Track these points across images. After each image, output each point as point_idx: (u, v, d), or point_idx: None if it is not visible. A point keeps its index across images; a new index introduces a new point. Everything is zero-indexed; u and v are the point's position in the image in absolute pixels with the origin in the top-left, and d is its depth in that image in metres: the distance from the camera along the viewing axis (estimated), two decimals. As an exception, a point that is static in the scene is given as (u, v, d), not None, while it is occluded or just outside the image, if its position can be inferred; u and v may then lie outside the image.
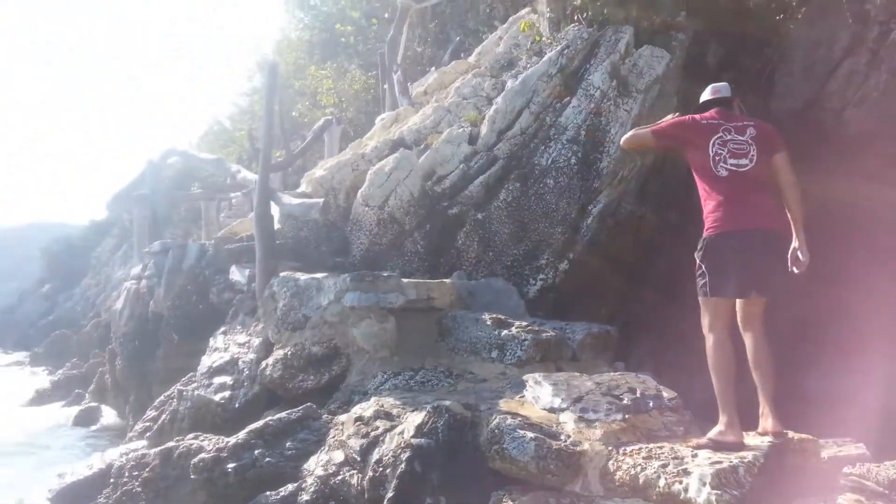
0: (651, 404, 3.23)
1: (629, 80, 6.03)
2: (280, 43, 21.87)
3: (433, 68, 11.48)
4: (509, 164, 6.21)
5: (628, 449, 2.87)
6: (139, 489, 4.02)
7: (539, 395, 3.49)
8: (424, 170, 6.63)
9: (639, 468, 2.75)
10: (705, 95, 3.56)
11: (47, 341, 25.68)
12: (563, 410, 3.29)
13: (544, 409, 3.38)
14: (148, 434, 5.62)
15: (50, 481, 5.85)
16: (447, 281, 5.57)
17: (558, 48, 6.49)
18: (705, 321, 3.15)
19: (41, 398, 13.35)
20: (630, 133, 3.69)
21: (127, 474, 4.15)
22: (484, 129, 6.53)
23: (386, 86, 10.69)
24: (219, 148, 22.25)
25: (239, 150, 20.44)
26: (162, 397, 6.12)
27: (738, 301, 3.16)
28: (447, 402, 3.44)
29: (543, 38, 7.10)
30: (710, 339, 3.11)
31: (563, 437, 3.06)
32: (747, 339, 3.12)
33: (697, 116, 3.44)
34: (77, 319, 29.25)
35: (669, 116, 3.67)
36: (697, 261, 3.20)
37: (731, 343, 3.08)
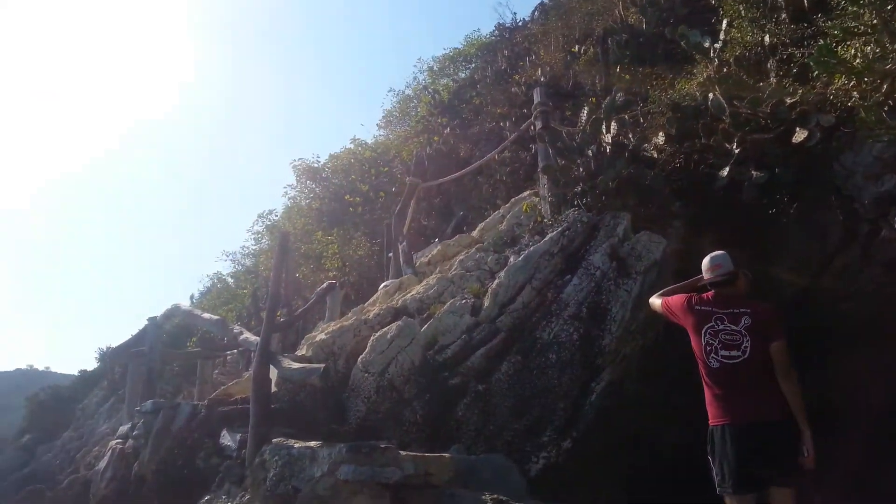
0: None
1: (628, 262, 6.27)
2: (290, 209, 22.87)
3: (437, 240, 11.94)
4: (511, 336, 6.28)
5: None
6: None
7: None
8: (426, 338, 6.68)
9: None
10: (704, 267, 3.64)
11: (17, 498, 24.24)
12: None
13: None
14: None
15: None
16: (446, 455, 5.40)
17: (559, 229, 6.81)
18: None
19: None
20: (652, 297, 3.78)
21: None
22: (487, 301, 6.67)
23: (391, 254, 11.06)
24: (221, 304, 22.48)
25: (240, 307, 20.66)
26: (134, 573, 5.70)
27: (770, 493, 3.05)
28: None
29: (545, 220, 7.46)
30: None
31: None
32: None
33: (695, 300, 3.52)
34: (54, 474, 27.75)
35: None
36: (709, 457, 3.14)
37: None
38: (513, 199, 9.61)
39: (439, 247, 10.19)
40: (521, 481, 5.22)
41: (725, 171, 6.46)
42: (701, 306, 3.38)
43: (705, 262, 3.65)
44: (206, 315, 9.79)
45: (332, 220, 18.63)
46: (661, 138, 7.27)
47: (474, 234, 9.68)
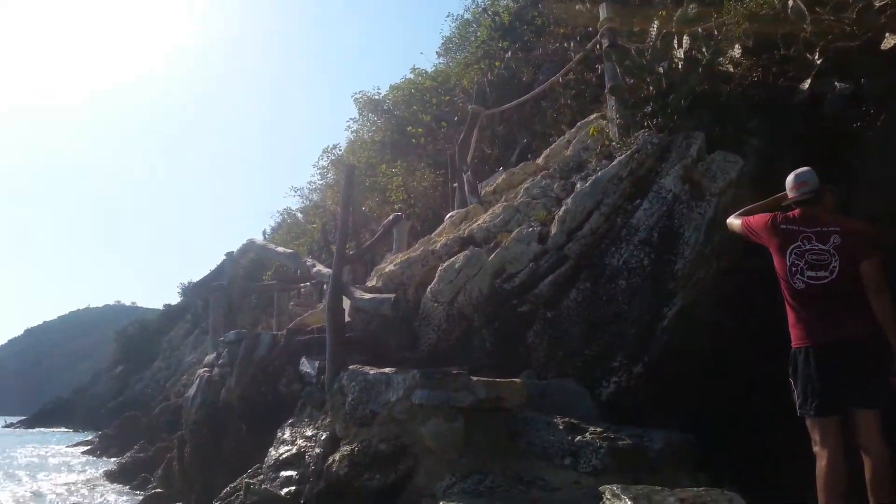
0: (741, 526, 3.04)
1: (702, 184, 6.04)
2: (353, 143, 22.98)
3: (501, 169, 11.80)
4: (579, 263, 6.22)
5: (718, 575, 2.69)
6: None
7: (617, 510, 3.34)
8: (494, 267, 6.70)
9: None
10: (788, 184, 3.48)
11: (117, 423, 26.33)
12: (645, 527, 3.13)
13: (624, 525, 3.23)
14: (214, 527, 5.60)
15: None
16: (517, 380, 5.50)
17: (628, 152, 6.60)
18: (814, 439, 2.98)
19: (109, 479, 13.58)
20: (731, 217, 3.67)
21: (192, 569, 4.12)
22: (554, 228, 6.60)
23: (455, 184, 11.03)
24: (291, 239, 23.10)
25: (309, 241, 21.20)
26: (228, 489, 6.13)
27: (854, 415, 2.97)
28: (521, 512, 3.33)
29: (613, 143, 7.24)
30: (819, 460, 2.93)
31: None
32: (865, 459, 2.92)
33: (780, 218, 3.37)
34: (147, 402, 30.02)
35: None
36: (790, 379, 3.07)
37: (842, 463, 2.88)
38: (579, 124, 9.33)
39: (504, 175, 10.07)
40: (591, 406, 5.28)
41: (806, 84, 6.06)
42: (786, 225, 3.24)
43: (789, 179, 3.47)
44: (280, 249, 10.10)
45: (396, 152, 18.64)
46: (736, 51, 6.85)
47: (539, 160, 9.50)
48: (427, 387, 5.01)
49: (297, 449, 5.58)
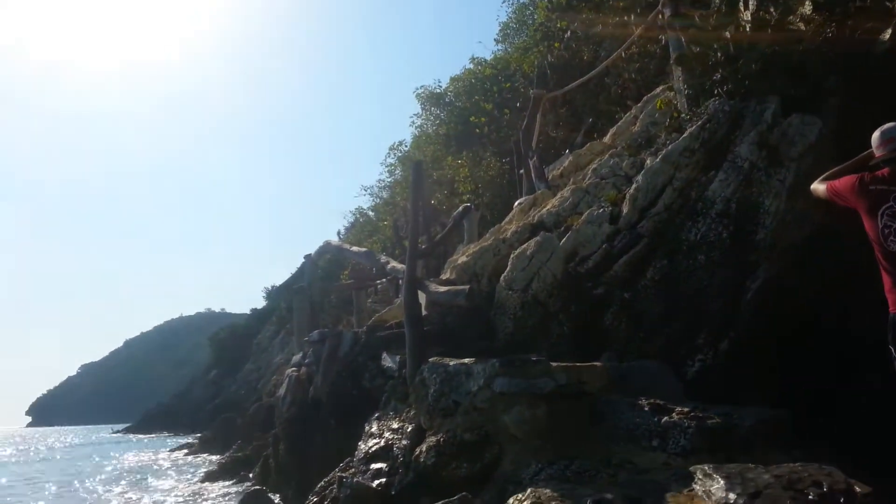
0: (842, 500, 2.92)
1: (780, 150, 5.79)
2: (418, 138, 23.18)
3: (567, 151, 11.66)
4: (654, 241, 6.09)
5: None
6: (306, 576, 4.15)
7: (710, 489, 3.26)
8: (566, 251, 6.65)
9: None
10: (875, 142, 3.29)
11: (214, 424, 27.67)
12: (738, 506, 3.05)
13: (717, 505, 3.16)
14: (311, 520, 5.82)
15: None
16: (598, 364, 5.45)
17: (699, 123, 6.39)
18: None
19: (210, 479, 14.28)
20: (815, 183, 3.52)
21: (295, 560, 4.30)
22: (625, 207, 6.49)
23: (522, 171, 10.97)
24: (364, 238, 23.55)
25: (383, 238, 21.55)
26: (322, 482, 6.35)
27: None
28: (609, 496, 3.32)
29: (682, 115, 7.03)
30: None
31: (740, 536, 2.84)
32: None
33: (868, 179, 3.20)
34: (241, 402, 31.35)
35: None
36: (889, 347, 2.93)
37: None
38: (645, 98, 9.11)
39: (571, 157, 9.95)
40: (676, 385, 5.17)
41: (887, 35, 5.70)
42: (875, 185, 3.06)
43: (875, 136, 3.28)
44: (355, 248, 10.33)
45: (461, 143, 18.70)
46: (807, 7, 6.51)
47: (606, 139, 9.34)
48: (507, 375, 5.03)
49: (384, 442, 5.71)
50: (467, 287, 6.24)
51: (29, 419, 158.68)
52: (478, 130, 17.35)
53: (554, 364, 5.22)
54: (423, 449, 5.18)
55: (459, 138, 18.96)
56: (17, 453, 34.87)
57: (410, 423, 5.69)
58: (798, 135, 5.88)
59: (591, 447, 4.55)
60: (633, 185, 6.57)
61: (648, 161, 6.77)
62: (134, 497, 12.62)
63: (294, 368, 8.78)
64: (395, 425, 5.84)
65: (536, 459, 4.55)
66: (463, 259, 7.78)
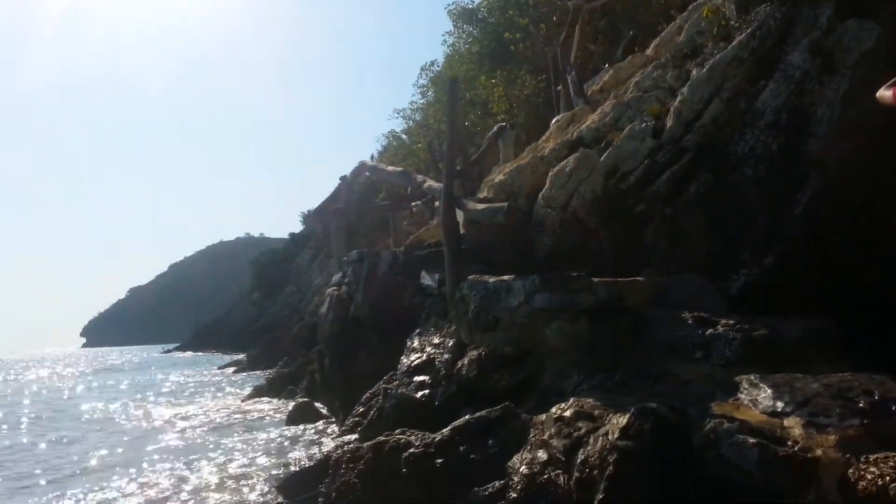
0: (895, 408, 2.91)
1: (834, 57, 5.49)
2: (451, 57, 22.59)
3: (607, 66, 11.26)
4: (699, 155, 5.93)
5: (871, 457, 2.61)
6: (356, 480, 4.34)
7: (757, 398, 3.28)
8: (606, 168, 6.53)
9: (888, 478, 2.49)
10: None
11: (260, 343, 28.67)
12: (787, 415, 3.06)
13: (764, 414, 3.18)
14: (359, 428, 6.06)
15: (276, 470, 6.53)
16: (638, 279, 5.44)
17: (748, 30, 6.09)
18: None
19: (259, 393, 14.93)
20: (881, 90, 3.36)
21: (343, 466, 4.49)
22: (669, 121, 6.30)
23: (559, 87, 10.67)
24: (398, 161, 23.43)
25: (416, 161, 21.42)
26: (367, 394, 6.57)
27: None
28: (653, 405, 3.35)
29: (731, 22, 6.69)
30: None
31: (789, 444, 2.86)
32: None
33: None
34: (283, 323, 32.34)
35: None
36: None
37: None
38: (690, 6, 8.66)
39: (611, 72, 9.62)
40: (719, 300, 5.14)
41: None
42: None
43: None
44: (390, 168, 10.30)
45: (494, 61, 18.17)
46: None
47: (648, 52, 8.97)
48: (547, 291, 5.06)
49: (426, 356, 5.85)
50: (506, 204, 6.21)
51: (83, 340, 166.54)
52: (512, 47, 16.82)
53: (595, 279, 5.23)
54: (465, 362, 5.29)
55: (493, 56, 18.41)
56: (91, 370, 36.94)
57: (451, 339, 5.80)
58: (854, 41, 5.56)
59: (633, 359, 4.59)
60: (678, 98, 6.35)
61: (694, 72, 6.51)
62: (189, 411, 13.30)
63: (335, 287, 8.96)
64: (437, 340, 5.96)
65: (578, 371, 4.62)
66: (500, 177, 7.71)
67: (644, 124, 6.54)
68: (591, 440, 3.47)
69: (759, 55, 5.95)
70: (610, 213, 6.36)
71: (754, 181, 5.42)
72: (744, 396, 3.42)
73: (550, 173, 6.92)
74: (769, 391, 3.23)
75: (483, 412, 4.35)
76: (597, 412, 3.70)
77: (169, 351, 66.44)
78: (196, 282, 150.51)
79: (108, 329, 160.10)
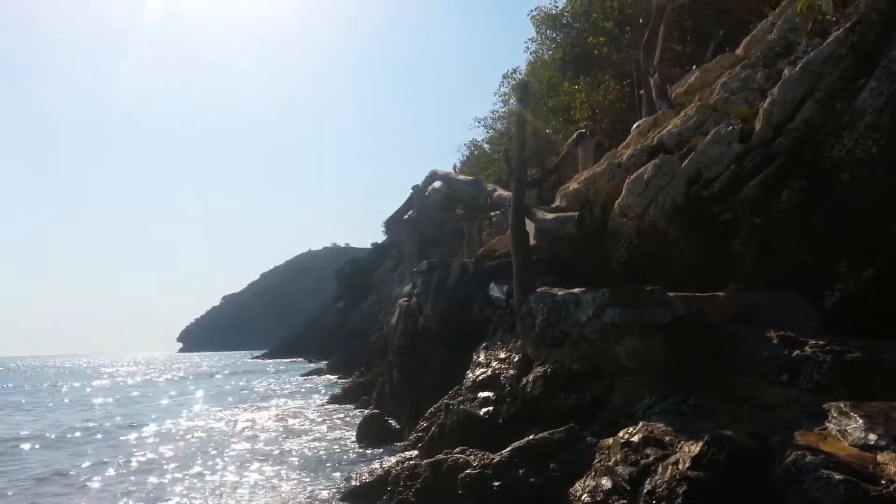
0: None
1: (947, 49, 4.94)
2: (533, 65, 22.33)
3: (694, 67, 10.72)
4: (791, 160, 5.46)
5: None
6: (412, 499, 4.19)
7: (847, 429, 2.90)
8: (688, 174, 6.14)
9: None
10: None
11: (340, 352, 29.26)
12: (881, 449, 2.68)
13: (855, 446, 2.79)
14: (420, 444, 5.91)
15: (339, 482, 6.48)
16: (720, 294, 5.04)
17: (847, 25, 5.58)
18: None
19: (335, 402, 15.13)
20: None
21: (402, 483, 4.35)
22: (758, 124, 5.85)
23: (642, 91, 10.24)
24: (479, 171, 23.32)
25: (497, 171, 21.23)
26: (432, 409, 6.42)
27: None
28: (729, 432, 3.03)
29: (827, 17, 6.17)
30: None
31: (883, 482, 2.48)
32: None
33: None
34: (364, 332, 32.85)
35: None
36: None
37: None
38: (784, 2, 8.10)
39: (697, 73, 9.13)
40: (812, 317, 4.68)
41: None
42: None
43: None
44: (461, 176, 10.18)
45: (578, 67, 17.77)
46: None
47: (738, 51, 8.45)
48: (619, 305, 4.75)
49: (491, 371, 5.64)
50: (576, 213, 5.93)
51: (180, 345, 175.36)
52: (596, 52, 16.38)
53: (671, 294, 4.87)
54: (530, 379, 5.05)
55: (577, 62, 18.01)
56: (191, 373, 39.17)
57: (517, 353, 5.57)
58: (972, 31, 4.99)
59: (711, 381, 4.22)
60: (768, 99, 5.89)
61: (786, 71, 6.03)
62: (267, 416, 13.61)
63: (405, 298, 8.89)
64: (503, 355, 5.75)
65: (650, 392, 4.30)
66: (574, 186, 7.41)
67: (731, 128, 6.11)
68: (660, 469, 3.18)
69: (858, 51, 5.43)
70: (691, 223, 5.96)
71: (853, 187, 4.93)
72: (832, 426, 3.03)
73: (627, 181, 6.58)
74: (861, 421, 2.85)
75: (545, 433, 4.11)
76: (667, 438, 3.39)
77: (257, 357, 68.96)
78: (285, 290, 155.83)
79: (202, 335, 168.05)
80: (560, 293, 5.36)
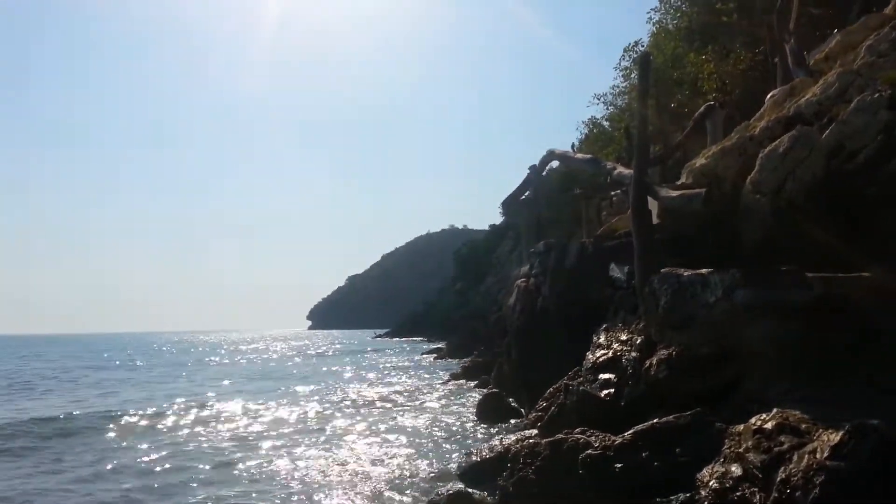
0: None
1: None
2: (656, 36, 21.40)
3: (835, 31, 9.87)
4: (952, 127, 4.94)
5: None
6: (532, 476, 4.22)
7: None
8: (829, 146, 5.69)
9: None
10: None
11: (460, 332, 29.74)
12: None
13: None
14: (539, 424, 5.92)
15: (460, 457, 6.64)
16: (866, 275, 4.66)
17: None
18: None
19: (454, 379, 15.46)
20: None
21: (521, 461, 4.39)
22: (910, 89, 5.33)
23: (776, 59, 9.57)
24: (598, 149, 22.76)
25: (618, 149, 20.61)
26: (551, 389, 6.40)
27: None
28: (873, 422, 2.82)
29: None
30: None
31: None
32: None
33: None
34: (483, 313, 33.17)
35: None
36: None
37: None
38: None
39: (838, 37, 8.41)
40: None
41: None
42: None
43: None
44: (579, 155, 9.98)
45: (705, 36, 16.86)
46: None
47: (887, 10, 7.70)
48: (750, 286, 4.52)
49: (612, 353, 5.54)
50: (703, 190, 5.65)
51: (309, 323, 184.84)
52: (725, 19, 15.45)
53: (810, 274, 4.57)
54: (654, 362, 4.92)
55: (704, 31, 17.07)
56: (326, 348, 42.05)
57: (640, 336, 5.43)
58: None
59: (852, 368, 3.94)
60: (923, 60, 5.35)
61: (946, 28, 5.44)
62: (392, 390, 14.16)
63: (523, 279, 8.88)
64: (624, 337, 5.62)
65: (785, 379, 4.07)
66: (702, 161, 7.08)
67: (877, 94, 5.60)
68: (795, 457, 3.03)
69: None
70: (833, 199, 5.54)
71: None
72: None
73: (760, 155, 6.21)
74: None
75: (670, 417, 4.01)
76: (804, 426, 3.22)
77: (380, 336, 71.50)
78: (405, 271, 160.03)
79: (329, 313, 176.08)
80: (686, 273, 5.16)
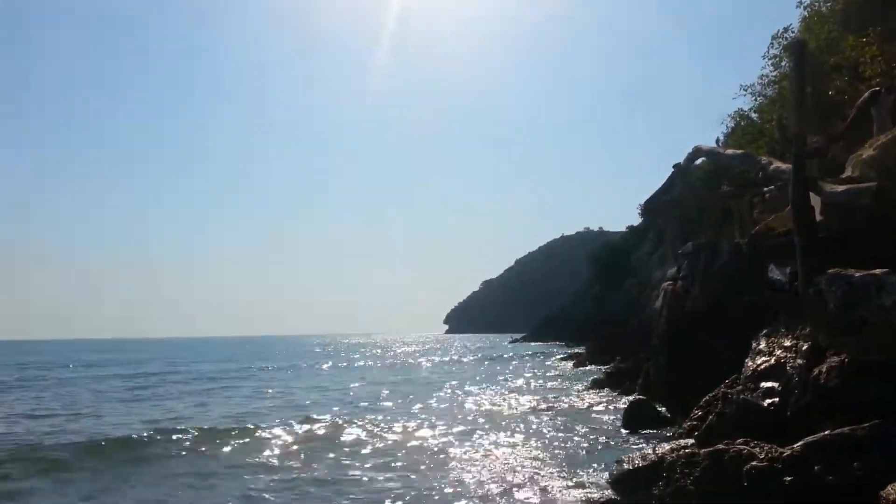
0: None
1: None
2: (808, 20, 19.93)
3: None
4: None
5: None
6: (691, 487, 4.09)
7: None
8: None
9: None
10: None
11: (599, 337, 29.10)
12: None
13: None
14: (696, 433, 5.70)
15: (609, 466, 6.53)
16: None
17: None
18: None
19: (597, 386, 15.20)
20: None
21: (678, 471, 4.26)
22: None
23: (957, 34, 8.60)
24: (746, 143, 21.49)
25: (769, 142, 19.35)
26: (707, 397, 6.14)
27: None
28: None
29: None
30: None
31: None
32: None
33: None
34: (622, 317, 32.27)
35: None
36: None
37: None
38: None
39: None
40: None
41: None
42: None
43: None
44: (729, 151, 9.49)
45: (865, 17, 15.46)
46: None
47: None
48: (933, 287, 4.12)
49: (775, 360, 5.23)
50: (873, 184, 5.21)
51: (446, 327, 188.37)
52: (889, -4, 14.11)
53: None
54: (823, 369, 4.60)
55: (864, 10, 15.66)
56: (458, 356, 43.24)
57: (805, 341, 5.09)
58: None
59: None
60: None
61: None
62: (535, 397, 14.17)
63: (669, 282, 8.57)
64: (787, 343, 5.30)
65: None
66: (869, 152, 6.53)
67: None
68: None
69: None
70: None
71: None
72: None
73: (941, 142, 5.64)
74: None
75: (846, 428, 3.74)
76: None
77: (516, 340, 71.46)
78: (538, 276, 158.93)
79: (465, 317, 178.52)
80: (857, 275, 4.79)
